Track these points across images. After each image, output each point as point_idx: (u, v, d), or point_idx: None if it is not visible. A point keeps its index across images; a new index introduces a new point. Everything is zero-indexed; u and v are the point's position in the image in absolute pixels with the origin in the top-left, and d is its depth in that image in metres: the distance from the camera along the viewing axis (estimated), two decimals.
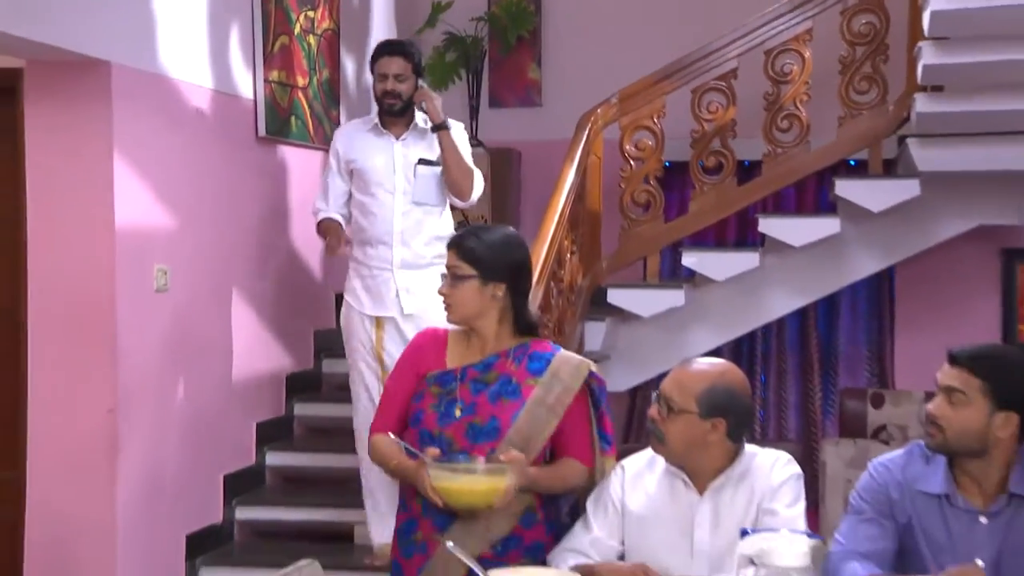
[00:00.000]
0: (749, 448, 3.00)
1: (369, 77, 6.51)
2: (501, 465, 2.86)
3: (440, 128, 4.62)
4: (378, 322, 4.66)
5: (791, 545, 2.40)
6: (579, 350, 5.72)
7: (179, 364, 4.73)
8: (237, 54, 5.18)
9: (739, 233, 6.89)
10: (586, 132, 5.81)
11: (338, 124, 6.05)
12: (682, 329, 6.03)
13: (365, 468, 4.61)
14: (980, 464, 2.79)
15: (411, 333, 4.35)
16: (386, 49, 4.76)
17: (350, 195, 4.80)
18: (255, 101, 5.33)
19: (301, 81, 5.71)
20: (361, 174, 4.72)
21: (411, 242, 4.67)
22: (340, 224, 4.83)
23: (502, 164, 6.81)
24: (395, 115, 4.72)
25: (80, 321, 4.30)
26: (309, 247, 5.77)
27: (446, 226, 4.79)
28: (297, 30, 5.65)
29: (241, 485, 5.17)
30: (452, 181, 4.67)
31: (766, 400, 7.18)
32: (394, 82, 4.65)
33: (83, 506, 4.31)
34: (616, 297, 5.96)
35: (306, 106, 5.73)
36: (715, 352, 6.54)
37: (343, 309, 4.81)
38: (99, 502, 4.31)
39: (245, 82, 5.27)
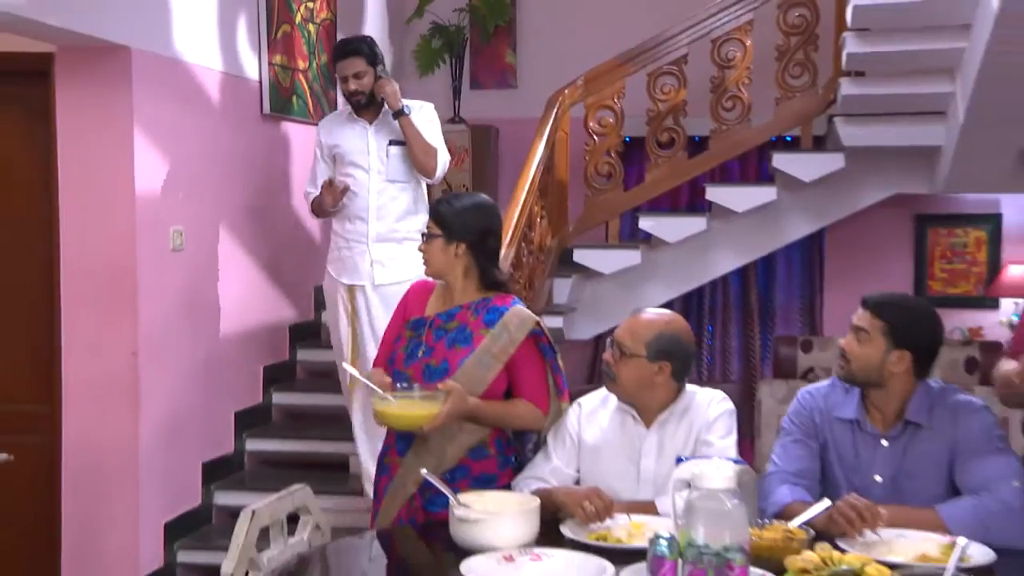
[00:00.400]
0: (690, 387, 3.03)
1: None
2: (436, 392, 2.88)
3: (399, 115, 4.51)
4: (351, 290, 4.59)
5: (719, 470, 2.40)
6: (548, 303, 5.78)
7: (194, 314, 4.74)
8: (244, 40, 5.16)
9: (690, 200, 6.88)
10: (555, 110, 5.78)
11: (335, 104, 6.04)
12: (639, 285, 6.04)
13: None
14: (881, 394, 2.87)
15: (381, 303, 4.46)
16: (342, 52, 4.60)
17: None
18: (260, 82, 5.31)
19: (302, 64, 5.68)
20: (341, 157, 4.62)
21: (386, 217, 4.57)
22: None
23: (481, 139, 6.82)
24: (364, 108, 4.61)
25: (106, 275, 4.32)
26: (308, 212, 5.72)
27: (420, 202, 4.69)
28: (298, 19, 5.62)
29: (250, 420, 5.21)
30: (416, 161, 4.55)
31: (712, 347, 7.25)
32: (354, 81, 4.52)
33: (110, 436, 4.34)
34: (581, 256, 5.98)
35: (306, 87, 5.71)
36: (667, 305, 6.55)
37: (325, 278, 4.76)
38: (124, 433, 4.35)
39: (251, 65, 5.24)
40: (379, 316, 4.38)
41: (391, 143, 4.58)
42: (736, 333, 7.20)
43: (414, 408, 2.88)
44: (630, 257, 5.97)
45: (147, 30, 4.38)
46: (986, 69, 4.67)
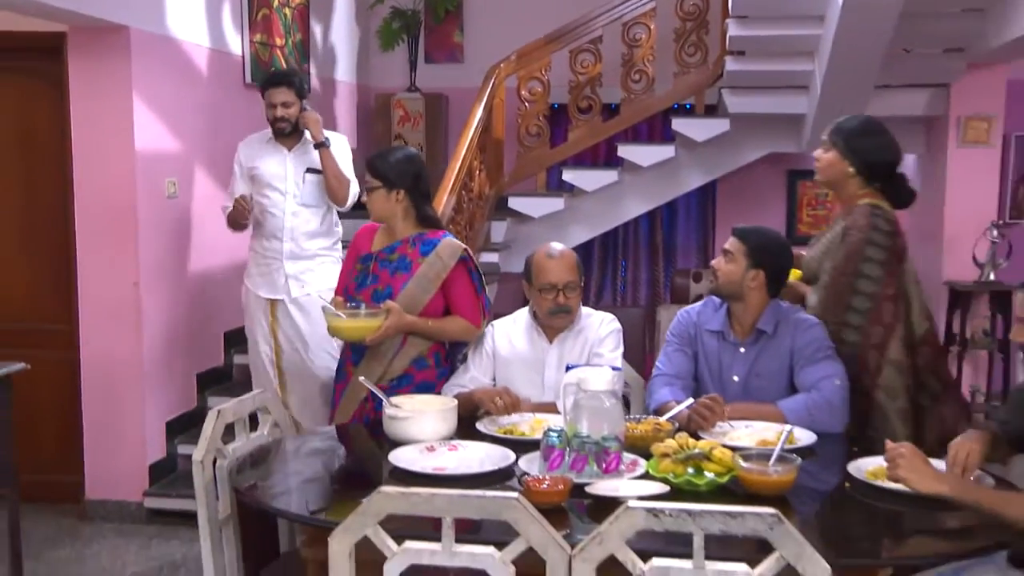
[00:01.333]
0: (584, 309, 3.06)
1: (333, 40, 6.44)
2: (378, 311, 2.94)
3: (320, 147, 4.06)
4: (272, 305, 4.15)
5: (599, 375, 2.45)
6: (486, 242, 5.78)
7: (186, 249, 4.69)
8: (228, 21, 5.04)
9: (606, 156, 6.85)
10: (492, 81, 5.75)
11: (309, 76, 5.94)
12: (563, 227, 6.05)
13: None
14: (740, 307, 2.94)
15: (299, 315, 4.11)
16: (273, 80, 4.12)
17: (251, 197, 4.15)
18: (243, 57, 5.20)
19: (279, 42, 5.56)
20: (258, 179, 4.14)
21: (298, 238, 4.11)
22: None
23: (433, 106, 6.74)
24: (285, 135, 4.13)
25: (111, 217, 4.28)
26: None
27: (329, 224, 4.25)
28: (276, 3, 5.47)
29: (237, 339, 5.07)
30: (330, 190, 4.09)
31: (625, 278, 7.26)
32: (282, 109, 4.06)
33: (119, 351, 4.34)
34: (514, 203, 5.97)
35: (283, 61, 5.59)
36: (587, 244, 6.65)
37: (243, 292, 4.29)
38: (130, 348, 4.35)
39: (235, 42, 5.13)
40: (302, 325, 4.13)
41: (308, 171, 4.13)
42: (644, 267, 7.22)
43: (360, 323, 2.93)
44: (555, 204, 5.97)
45: (144, 11, 4.29)
46: (835, 52, 4.74)
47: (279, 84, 4.08)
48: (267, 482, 2.46)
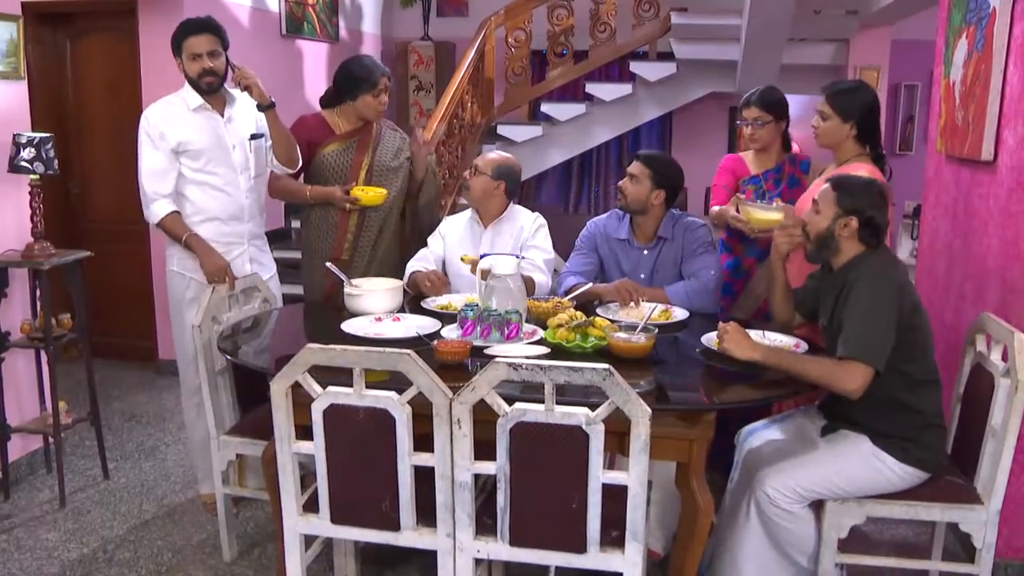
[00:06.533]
0: (516, 206, 2.99)
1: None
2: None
3: (269, 108, 2.76)
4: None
5: (507, 262, 2.44)
6: None
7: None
8: None
9: (577, 92, 6.66)
10: (484, 31, 5.64)
11: (337, 28, 5.80)
12: (542, 150, 5.97)
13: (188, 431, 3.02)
14: (643, 219, 2.89)
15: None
16: (194, 28, 2.73)
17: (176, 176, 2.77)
18: (280, 13, 5.10)
19: (311, 0, 5.43)
20: (197, 155, 2.75)
21: (256, 215, 2.93)
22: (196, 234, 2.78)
23: (443, 52, 6.61)
24: (210, 95, 2.79)
25: None
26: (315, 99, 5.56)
27: (264, 188, 3.03)
28: None
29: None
30: (284, 154, 2.86)
31: (598, 192, 7.19)
32: (209, 60, 2.73)
33: None
34: (502, 130, 5.89)
35: (314, 16, 5.45)
36: (567, 165, 6.56)
37: (179, 283, 2.85)
38: None
39: (272, 1, 5.03)
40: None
41: (252, 137, 2.87)
42: (614, 184, 7.14)
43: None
44: (535, 131, 5.88)
45: None
46: (754, 10, 4.56)
47: (202, 31, 2.73)
48: (245, 343, 2.48)
